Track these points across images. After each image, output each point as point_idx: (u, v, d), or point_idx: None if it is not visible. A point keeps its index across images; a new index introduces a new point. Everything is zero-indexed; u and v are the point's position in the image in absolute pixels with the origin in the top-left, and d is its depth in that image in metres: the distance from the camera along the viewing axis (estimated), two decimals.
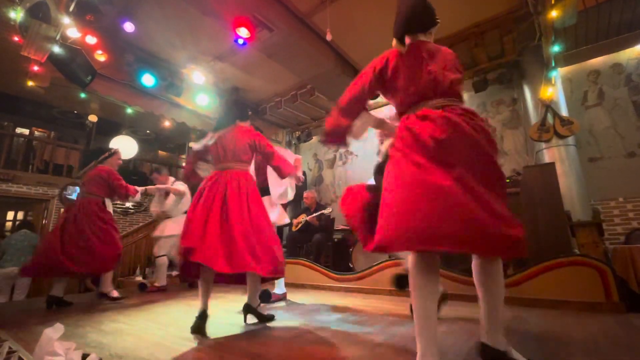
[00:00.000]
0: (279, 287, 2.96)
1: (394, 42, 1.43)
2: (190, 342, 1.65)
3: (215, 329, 1.88)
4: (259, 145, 2.25)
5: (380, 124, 1.64)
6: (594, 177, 3.95)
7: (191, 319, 1.78)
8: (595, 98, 4.19)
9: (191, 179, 2.34)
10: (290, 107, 6.06)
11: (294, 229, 4.73)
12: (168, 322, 2.14)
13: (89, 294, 3.95)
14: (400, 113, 1.36)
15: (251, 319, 2.06)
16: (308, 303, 2.78)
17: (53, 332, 1.24)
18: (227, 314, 2.37)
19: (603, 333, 1.61)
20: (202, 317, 1.80)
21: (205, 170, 2.32)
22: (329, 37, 3.62)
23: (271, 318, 2.10)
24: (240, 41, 3.74)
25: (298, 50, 4.37)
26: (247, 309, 2.04)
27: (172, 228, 3.84)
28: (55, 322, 1.36)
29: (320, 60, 4.57)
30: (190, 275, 1.95)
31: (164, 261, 3.86)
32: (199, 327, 1.76)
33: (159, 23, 4.01)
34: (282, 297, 2.95)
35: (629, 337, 1.55)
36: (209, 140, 2.22)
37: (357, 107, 1.48)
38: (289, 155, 3.55)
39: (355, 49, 4.61)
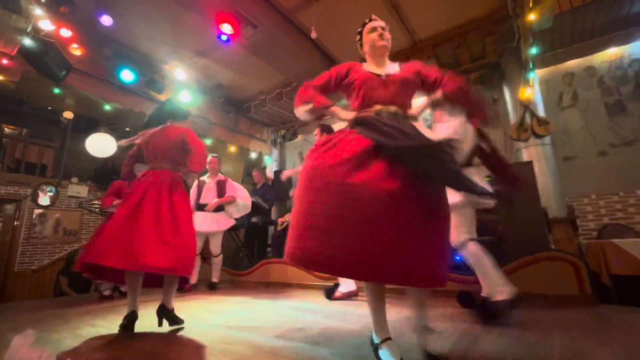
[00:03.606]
0: (344, 285, 2.82)
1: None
2: (173, 346, 1.61)
3: (200, 328, 1.84)
4: (185, 142, 2.20)
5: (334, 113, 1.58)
6: (568, 175, 4.12)
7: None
8: (569, 99, 4.36)
9: (128, 179, 2.40)
10: (275, 106, 6.00)
11: (278, 228, 4.70)
12: (148, 326, 2.08)
13: (64, 298, 3.80)
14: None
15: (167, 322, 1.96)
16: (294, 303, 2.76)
17: (24, 339, 1.18)
18: (211, 315, 2.33)
19: (578, 325, 1.68)
20: (131, 318, 1.83)
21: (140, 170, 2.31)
22: (313, 35, 3.60)
23: (180, 322, 1.99)
24: (224, 37, 3.68)
25: (283, 47, 4.34)
26: (161, 311, 1.95)
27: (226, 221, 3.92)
28: (27, 328, 1.30)
29: (306, 58, 4.55)
30: (108, 278, 2.07)
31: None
32: (125, 327, 1.79)
33: (139, 17, 3.88)
34: (348, 295, 2.80)
35: (602, 329, 1.62)
36: (136, 138, 2.26)
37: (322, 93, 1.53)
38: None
39: (340, 48, 4.61)
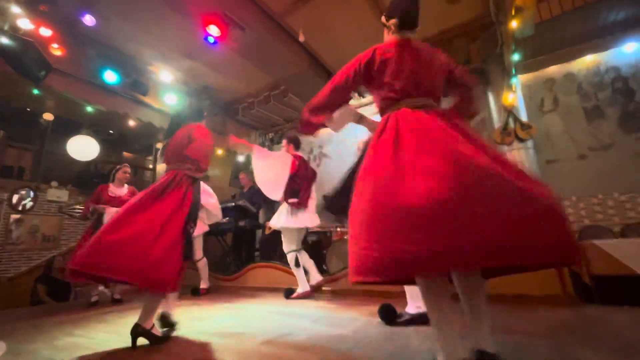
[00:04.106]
0: (301, 286, 3.11)
1: (387, 34, 1.44)
2: (154, 354, 1.56)
3: (185, 336, 1.78)
4: (190, 136, 2.10)
5: (359, 119, 1.62)
6: (550, 177, 4.23)
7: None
8: (550, 104, 4.49)
9: None
10: (263, 109, 5.97)
11: (266, 232, 4.65)
12: (129, 333, 2.01)
13: (42, 307, 3.65)
14: (382, 109, 1.34)
15: (143, 341, 1.69)
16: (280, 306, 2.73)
17: None
18: (197, 322, 2.27)
19: (562, 325, 1.71)
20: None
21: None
22: (301, 38, 3.61)
23: (164, 339, 1.76)
24: (211, 39, 3.64)
25: (271, 50, 4.32)
26: (135, 331, 1.66)
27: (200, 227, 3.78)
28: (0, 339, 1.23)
29: (294, 62, 4.55)
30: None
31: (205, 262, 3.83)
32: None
33: (123, 17, 3.80)
34: (304, 296, 3.06)
35: (585, 328, 1.65)
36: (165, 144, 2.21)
37: (339, 98, 1.45)
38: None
39: (328, 52, 4.63)
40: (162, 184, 1.88)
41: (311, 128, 1.51)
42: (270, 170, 3.06)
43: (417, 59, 1.32)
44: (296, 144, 3.43)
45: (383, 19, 1.49)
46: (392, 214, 0.97)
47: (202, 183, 4.10)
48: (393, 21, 1.42)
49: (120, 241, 1.60)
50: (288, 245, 3.20)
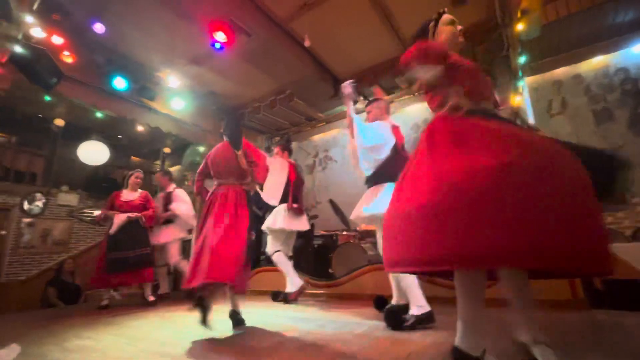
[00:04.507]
0: (291, 285, 3.18)
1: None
2: (162, 358, 1.57)
3: (189, 340, 1.80)
4: (248, 156, 2.44)
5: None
6: None
7: (163, 333, 1.70)
8: (558, 107, 4.45)
9: (201, 194, 2.54)
10: (269, 113, 6.01)
11: None
12: (138, 336, 2.04)
13: (53, 310, 3.71)
14: (434, 109, 1.35)
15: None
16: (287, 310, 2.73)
17: (7, 354, 1.14)
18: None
19: (573, 329, 1.69)
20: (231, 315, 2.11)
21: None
22: (307, 44, 3.64)
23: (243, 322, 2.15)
24: (218, 45, 3.69)
25: (277, 55, 4.37)
26: (235, 316, 2.13)
27: (174, 233, 3.90)
28: (12, 341, 1.26)
29: (299, 66, 4.58)
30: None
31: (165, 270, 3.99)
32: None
33: (132, 25, 3.88)
34: (300, 292, 3.14)
35: (595, 333, 1.62)
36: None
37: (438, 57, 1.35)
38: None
39: (333, 56, 4.65)
40: (230, 199, 2.24)
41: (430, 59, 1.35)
42: (268, 177, 3.13)
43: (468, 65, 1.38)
44: (290, 151, 3.60)
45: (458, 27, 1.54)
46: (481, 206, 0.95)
47: (178, 190, 4.16)
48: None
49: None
50: (273, 246, 3.31)
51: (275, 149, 3.57)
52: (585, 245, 0.92)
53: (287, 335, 1.87)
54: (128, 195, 3.70)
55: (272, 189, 3.12)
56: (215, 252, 1.95)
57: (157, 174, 4.32)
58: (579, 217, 0.93)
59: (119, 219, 3.44)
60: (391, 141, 2.05)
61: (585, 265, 0.96)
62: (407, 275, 1.86)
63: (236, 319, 2.11)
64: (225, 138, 2.48)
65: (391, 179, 1.91)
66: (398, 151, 2.07)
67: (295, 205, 3.30)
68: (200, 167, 2.53)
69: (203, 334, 1.99)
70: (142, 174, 3.88)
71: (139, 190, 3.81)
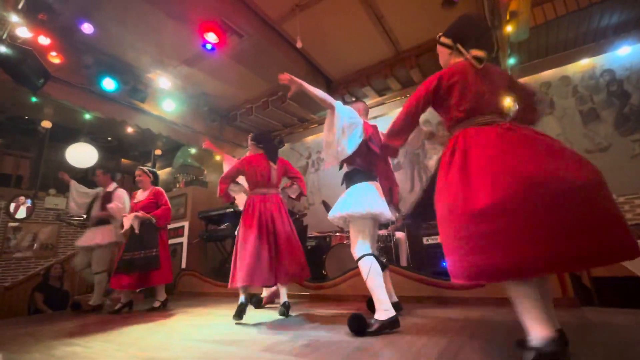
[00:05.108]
0: (265, 290, 3.27)
1: (467, 55, 1.51)
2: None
3: (184, 344, 1.77)
4: (288, 171, 2.91)
5: (430, 135, 1.89)
6: None
7: (155, 339, 1.67)
8: (547, 107, 4.52)
9: (226, 198, 2.76)
10: (261, 114, 5.99)
11: None
12: (128, 342, 1.99)
13: (39, 316, 3.61)
14: (450, 127, 1.48)
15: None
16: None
17: None
18: (195, 329, 2.25)
19: (563, 327, 1.70)
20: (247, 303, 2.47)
21: (235, 191, 2.79)
22: (299, 45, 3.63)
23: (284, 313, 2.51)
24: (209, 46, 3.66)
25: (269, 57, 4.35)
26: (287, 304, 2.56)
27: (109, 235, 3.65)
28: None
29: (291, 68, 4.56)
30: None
31: (104, 277, 3.59)
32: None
33: (121, 25, 3.82)
34: (273, 296, 3.26)
35: (586, 331, 1.65)
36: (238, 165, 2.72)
37: (411, 123, 1.62)
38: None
39: (325, 58, 4.67)
40: (282, 208, 2.70)
41: (392, 151, 1.76)
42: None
43: (480, 79, 1.43)
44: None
45: (448, 40, 1.62)
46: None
47: (120, 190, 3.98)
48: (459, 44, 1.56)
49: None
50: None
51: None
52: (622, 238, 1.03)
53: (281, 338, 1.85)
54: (139, 195, 3.63)
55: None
56: (297, 255, 2.57)
57: (98, 172, 4.03)
58: (612, 213, 1.06)
59: (127, 219, 3.35)
60: (362, 125, 2.04)
61: (619, 255, 1.05)
62: (374, 277, 1.82)
63: (289, 307, 2.56)
64: (260, 150, 2.79)
65: (359, 179, 2.06)
66: (368, 146, 2.05)
67: None
68: (228, 171, 2.75)
69: (194, 338, 1.96)
70: (142, 172, 3.73)
71: (150, 188, 3.67)
